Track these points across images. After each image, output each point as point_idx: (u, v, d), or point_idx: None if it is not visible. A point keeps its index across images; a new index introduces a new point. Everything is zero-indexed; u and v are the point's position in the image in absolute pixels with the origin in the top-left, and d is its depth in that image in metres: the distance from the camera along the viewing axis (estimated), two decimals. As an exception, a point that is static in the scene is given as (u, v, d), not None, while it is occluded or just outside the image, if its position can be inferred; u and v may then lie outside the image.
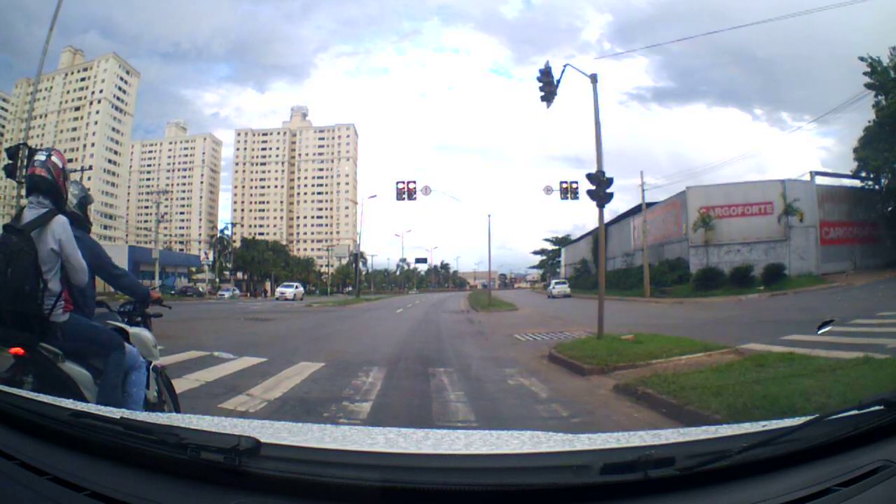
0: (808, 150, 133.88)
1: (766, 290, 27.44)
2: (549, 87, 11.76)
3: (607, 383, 6.35)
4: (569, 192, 20.13)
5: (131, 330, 3.15)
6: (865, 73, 32.70)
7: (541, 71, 11.89)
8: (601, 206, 9.86)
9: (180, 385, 5.35)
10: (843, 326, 10.44)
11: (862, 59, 32.73)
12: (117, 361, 2.78)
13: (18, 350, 2.55)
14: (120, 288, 3.23)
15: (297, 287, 47.80)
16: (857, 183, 35.83)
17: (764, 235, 33.12)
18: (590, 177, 9.81)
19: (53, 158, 2.73)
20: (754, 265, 30.69)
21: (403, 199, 22.02)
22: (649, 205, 37.18)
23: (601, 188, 9.73)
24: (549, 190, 23.97)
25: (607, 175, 9.85)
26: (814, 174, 35.67)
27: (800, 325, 10.19)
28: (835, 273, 30.61)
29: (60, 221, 2.65)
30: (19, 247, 2.51)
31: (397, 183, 22.24)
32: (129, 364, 2.87)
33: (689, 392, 5.13)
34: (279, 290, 46.65)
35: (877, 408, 1.20)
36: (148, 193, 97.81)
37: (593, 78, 10.68)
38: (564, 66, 11.97)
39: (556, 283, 46.02)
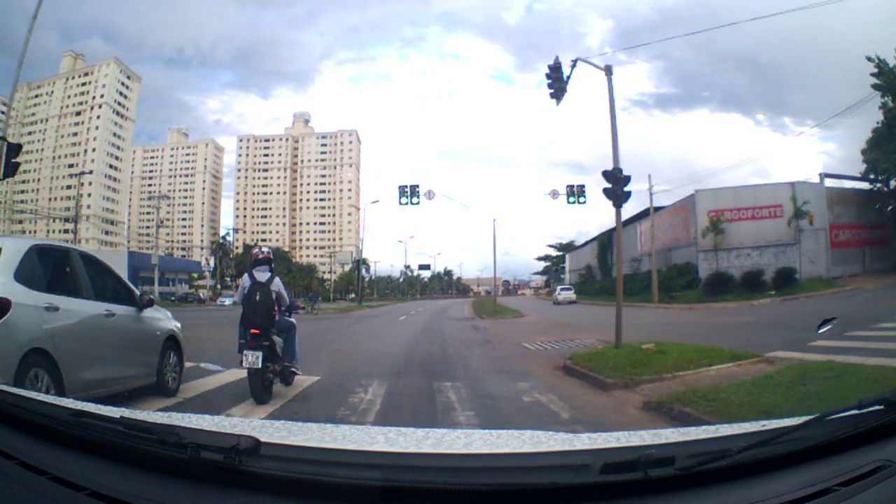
0: (811, 155, 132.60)
1: (778, 295, 26.99)
2: (558, 83, 11.20)
3: (634, 400, 5.71)
4: (575, 194, 19.88)
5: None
6: (873, 74, 32.07)
7: (550, 67, 11.32)
8: (618, 205, 9.17)
9: (147, 405, 4.78)
10: (869, 331, 10.13)
11: (869, 59, 32.10)
12: (292, 335, 6.30)
13: (256, 330, 5.60)
14: (288, 309, 6.46)
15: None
16: (865, 185, 35.27)
17: (774, 239, 32.48)
18: (606, 174, 9.14)
19: (265, 250, 6.28)
20: (764, 269, 30.03)
21: (406, 199, 21.60)
22: (656, 209, 36.48)
23: (618, 186, 9.05)
24: (555, 194, 23.83)
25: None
26: (823, 176, 35.13)
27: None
28: (845, 276, 29.96)
29: (277, 281, 6.13)
30: (265, 290, 5.87)
31: (400, 187, 21.91)
32: (293, 337, 6.35)
33: (735, 410, 4.52)
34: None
35: (876, 407, 1.18)
36: (149, 199, 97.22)
37: (608, 70, 10.03)
38: (574, 60, 11.33)
39: (562, 290, 45.49)
